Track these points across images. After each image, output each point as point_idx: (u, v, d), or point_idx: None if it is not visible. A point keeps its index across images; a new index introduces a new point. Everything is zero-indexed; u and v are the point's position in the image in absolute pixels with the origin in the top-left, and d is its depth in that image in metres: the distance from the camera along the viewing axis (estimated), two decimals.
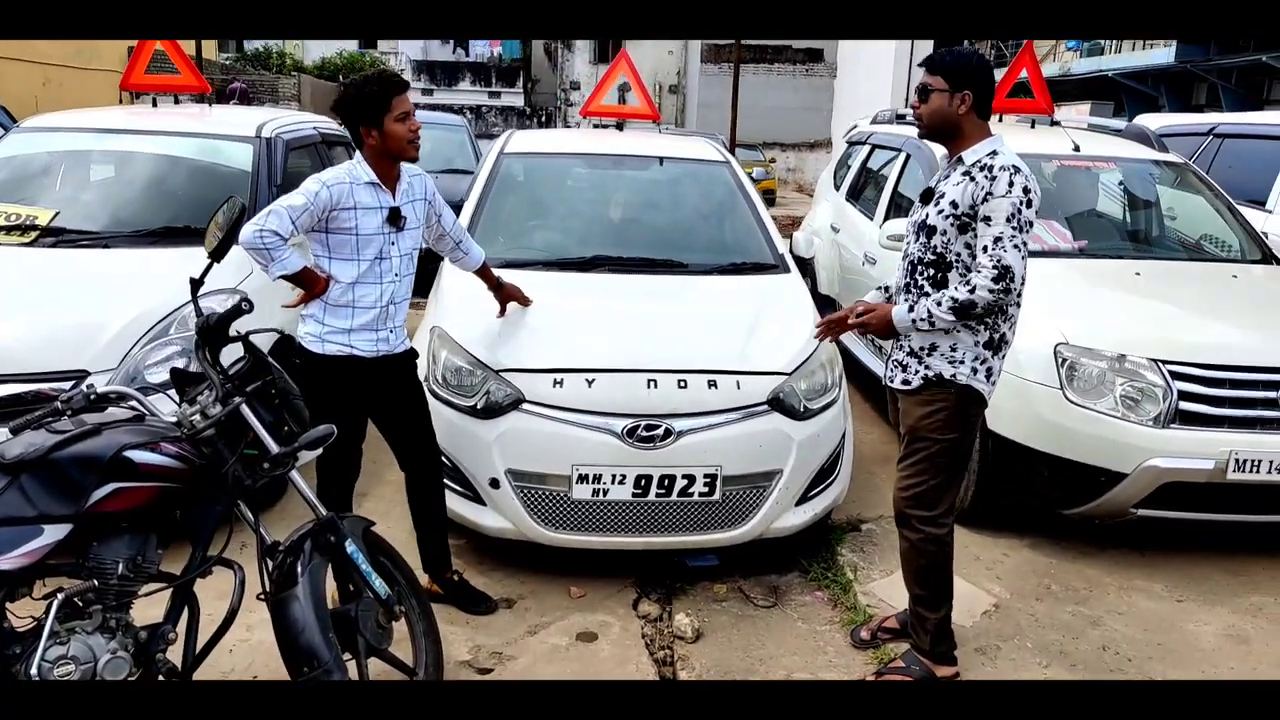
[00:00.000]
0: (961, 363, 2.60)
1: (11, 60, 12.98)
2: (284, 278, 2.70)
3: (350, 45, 30.53)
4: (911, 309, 2.59)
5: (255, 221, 2.64)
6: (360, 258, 2.76)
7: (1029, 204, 2.50)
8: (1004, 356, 2.68)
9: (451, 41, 34.48)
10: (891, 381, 2.77)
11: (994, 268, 2.47)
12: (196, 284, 2.24)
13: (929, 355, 2.65)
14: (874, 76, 20.89)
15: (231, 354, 2.29)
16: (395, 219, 2.79)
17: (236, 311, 2.21)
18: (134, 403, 2.26)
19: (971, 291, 2.48)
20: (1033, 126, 5.15)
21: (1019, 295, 2.55)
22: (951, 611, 2.79)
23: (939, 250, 2.61)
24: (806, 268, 6.16)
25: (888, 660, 2.86)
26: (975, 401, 2.65)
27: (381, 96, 2.68)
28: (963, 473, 2.75)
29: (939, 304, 2.53)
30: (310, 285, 2.76)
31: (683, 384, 3.12)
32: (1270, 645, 3.10)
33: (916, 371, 2.67)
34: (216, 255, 2.25)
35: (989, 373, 2.63)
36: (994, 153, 2.57)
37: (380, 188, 2.77)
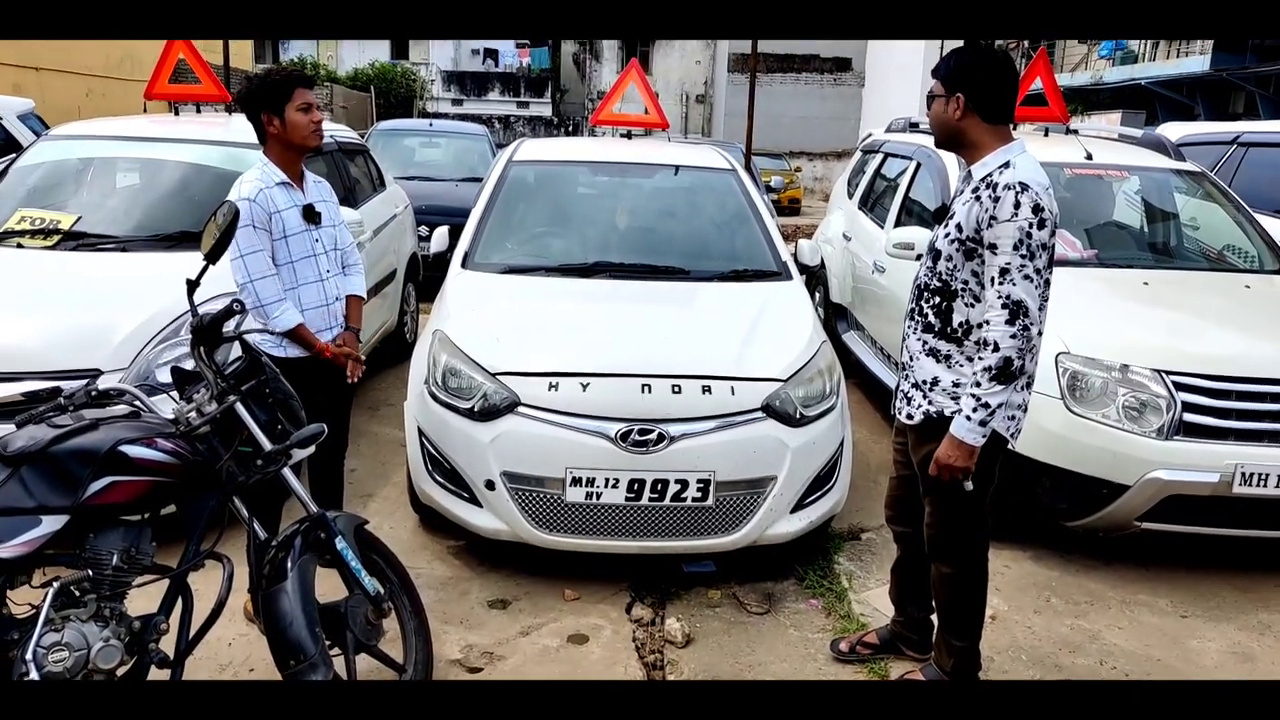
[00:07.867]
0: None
1: (55, 72, 13.34)
2: (286, 334, 2.78)
3: (382, 56, 31.01)
4: (959, 409, 2.32)
5: (236, 282, 2.73)
6: (293, 259, 2.82)
7: (1041, 225, 2.23)
8: (1026, 388, 2.41)
9: (481, 52, 34.94)
10: (898, 414, 2.58)
11: (1003, 307, 2.25)
12: (192, 285, 2.31)
13: (931, 390, 2.45)
14: (902, 85, 20.78)
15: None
16: (311, 215, 2.85)
17: (229, 312, 2.28)
18: (133, 399, 2.34)
19: (995, 350, 2.25)
20: (1045, 135, 5.11)
21: (1042, 324, 2.31)
22: (979, 642, 2.65)
23: (944, 277, 2.41)
24: (814, 276, 6.16)
25: (881, 674, 2.83)
26: (989, 442, 2.34)
27: (284, 85, 2.76)
28: (983, 512, 2.53)
29: (978, 385, 2.28)
30: (308, 346, 2.82)
31: (677, 389, 3.14)
32: (1276, 663, 3.03)
33: (919, 406, 2.47)
34: (212, 258, 2.32)
35: (1004, 407, 2.32)
36: (1005, 165, 2.31)
37: (291, 186, 2.84)
